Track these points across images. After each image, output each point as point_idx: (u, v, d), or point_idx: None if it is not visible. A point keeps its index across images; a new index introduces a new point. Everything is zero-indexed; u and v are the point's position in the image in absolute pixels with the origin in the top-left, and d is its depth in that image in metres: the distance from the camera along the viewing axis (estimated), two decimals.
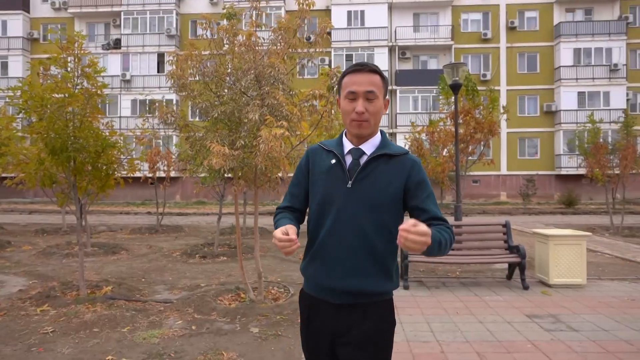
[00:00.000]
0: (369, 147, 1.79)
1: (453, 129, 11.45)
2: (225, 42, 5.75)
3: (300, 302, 1.93)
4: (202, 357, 3.96)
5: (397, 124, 28.72)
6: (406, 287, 6.41)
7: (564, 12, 29.18)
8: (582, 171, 15.84)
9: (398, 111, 28.83)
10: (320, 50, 5.83)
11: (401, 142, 25.28)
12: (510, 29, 29.09)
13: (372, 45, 28.92)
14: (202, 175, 8.08)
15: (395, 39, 29.19)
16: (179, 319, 5.02)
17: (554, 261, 6.45)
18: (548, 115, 28.87)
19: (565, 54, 28.26)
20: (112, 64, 28.82)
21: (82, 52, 5.92)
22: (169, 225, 14.39)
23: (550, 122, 28.89)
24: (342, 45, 28.76)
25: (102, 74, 6.06)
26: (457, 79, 9.61)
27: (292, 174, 2.11)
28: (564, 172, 27.90)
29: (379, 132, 1.84)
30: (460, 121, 12.43)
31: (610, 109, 27.08)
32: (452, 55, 28.85)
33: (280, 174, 5.55)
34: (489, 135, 13.05)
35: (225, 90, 5.69)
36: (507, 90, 28.74)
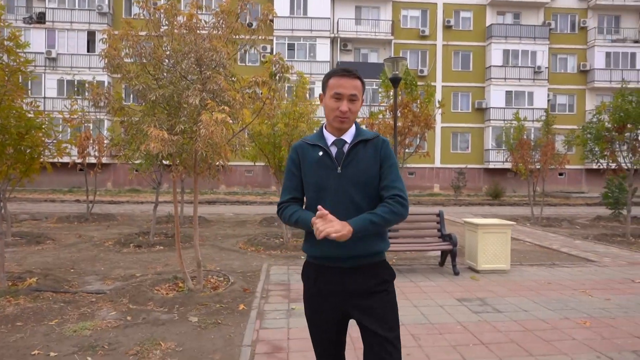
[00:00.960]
0: (348, 136, 2.11)
1: (392, 122, 11.77)
2: (164, 23, 5.50)
3: (304, 273, 2.17)
4: (138, 347, 3.83)
5: None
6: None
7: (496, 14, 30.83)
8: (507, 165, 16.91)
9: None
10: (263, 37, 5.76)
11: None
12: (447, 27, 30.30)
13: (314, 35, 28.93)
14: (138, 161, 7.73)
15: (338, 31, 29.40)
16: (112, 310, 4.82)
17: (482, 248, 6.89)
18: (479, 112, 30.51)
19: (495, 54, 29.94)
20: (36, 39, 26.53)
21: (1, 23, 5.44)
22: (100, 214, 13.65)
23: (480, 118, 30.54)
24: (284, 34, 28.51)
25: (24, 50, 5.60)
26: (397, 72, 9.87)
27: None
28: (491, 166, 29.69)
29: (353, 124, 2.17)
30: (399, 114, 12.81)
31: (533, 108, 29.08)
32: (392, 49, 29.58)
33: (221, 162, 5.43)
34: (425, 128, 13.58)
35: (164, 74, 5.46)
36: (442, 86, 29.95)
